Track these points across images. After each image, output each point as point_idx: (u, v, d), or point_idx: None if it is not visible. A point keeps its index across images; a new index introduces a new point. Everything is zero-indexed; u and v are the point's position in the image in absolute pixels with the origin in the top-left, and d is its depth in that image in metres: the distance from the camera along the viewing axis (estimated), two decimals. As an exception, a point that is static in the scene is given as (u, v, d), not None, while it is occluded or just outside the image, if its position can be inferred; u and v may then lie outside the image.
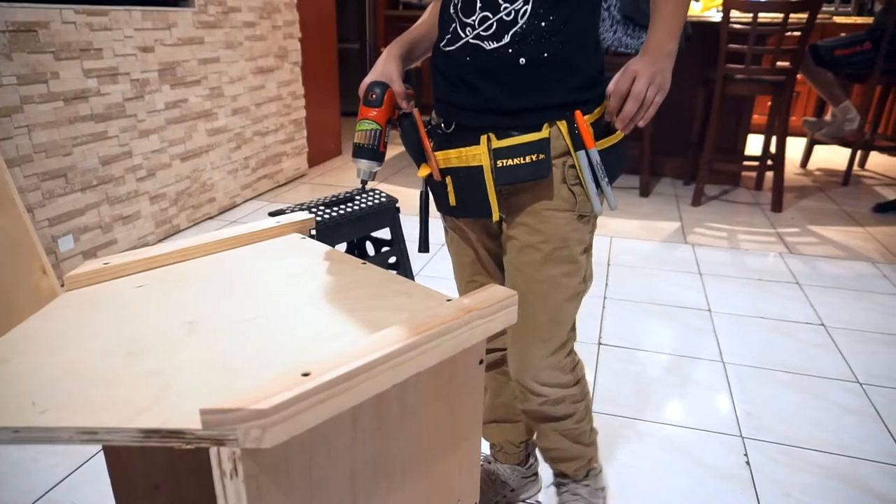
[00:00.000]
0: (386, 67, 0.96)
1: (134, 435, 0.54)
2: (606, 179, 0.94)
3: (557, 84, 0.90)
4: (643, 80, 0.85)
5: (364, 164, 0.92)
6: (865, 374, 1.85)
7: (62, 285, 0.81)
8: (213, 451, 0.53)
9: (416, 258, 2.55)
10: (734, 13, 3.08)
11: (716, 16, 3.33)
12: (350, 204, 2.03)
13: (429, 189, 1.04)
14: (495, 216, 0.95)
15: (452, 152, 0.95)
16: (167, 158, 2.68)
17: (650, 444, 1.54)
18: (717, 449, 1.53)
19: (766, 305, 2.28)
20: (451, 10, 0.93)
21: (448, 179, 0.98)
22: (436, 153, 0.97)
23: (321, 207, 1.97)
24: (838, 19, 4.67)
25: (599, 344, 1.98)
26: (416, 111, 0.96)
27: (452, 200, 0.99)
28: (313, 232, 1.02)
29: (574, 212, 0.95)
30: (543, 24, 0.87)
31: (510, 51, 0.88)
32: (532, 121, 0.91)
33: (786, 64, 3.14)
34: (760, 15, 3.02)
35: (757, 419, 1.64)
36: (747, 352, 1.96)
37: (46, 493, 1.34)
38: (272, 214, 1.21)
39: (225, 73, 2.99)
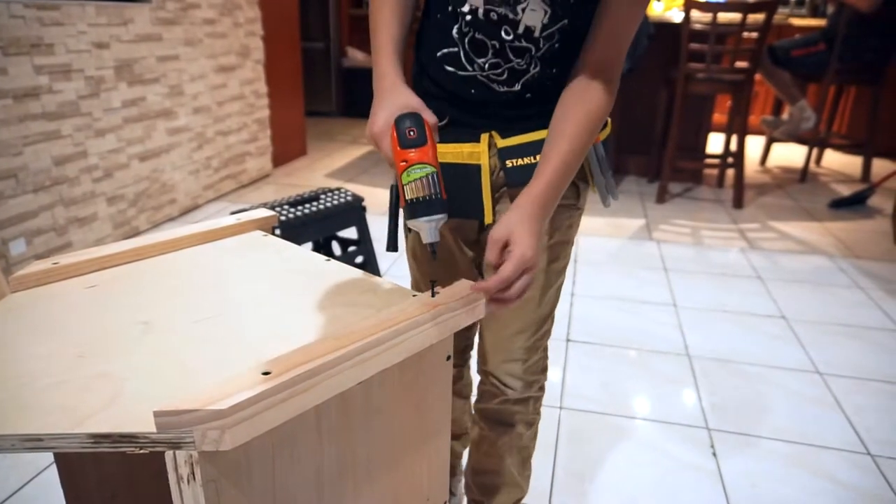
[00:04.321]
0: (403, 97, 0.77)
1: (83, 440, 0.51)
2: (610, 172, 0.94)
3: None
4: (522, 270, 0.72)
5: (427, 222, 0.69)
6: (825, 364, 1.89)
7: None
8: (168, 454, 0.51)
9: (383, 257, 2.52)
10: (694, 13, 3.14)
11: (677, 16, 3.39)
12: (315, 203, 2.00)
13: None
14: (488, 218, 0.89)
15: (447, 147, 0.89)
16: (125, 158, 2.60)
17: (618, 438, 1.55)
18: (683, 441, 1.54)
19: (729, 299, 2.32)
20: (456, 34, 0.84)
21: None
22: None
23: (285, 206, 1.93)
24: (794, 21, 4.80)
25: (567, 340, 1.99)
26: None
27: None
28: (277, 232, 1.00)
29: (576, 205, 0.96)
30: (554, 70, 0.84)
31: (518, 89, 0.85)
32: (535, 122, 0.87)
33: (744, 64, 3.21)
34: (719, 15, 3.08)
35: (722, 411, 1.66)
36: (712, 345, 2.00)
37: (-3, 506, 1.28)
38: (234, 214, 1.18)
39: (185, 71, 2.92)
